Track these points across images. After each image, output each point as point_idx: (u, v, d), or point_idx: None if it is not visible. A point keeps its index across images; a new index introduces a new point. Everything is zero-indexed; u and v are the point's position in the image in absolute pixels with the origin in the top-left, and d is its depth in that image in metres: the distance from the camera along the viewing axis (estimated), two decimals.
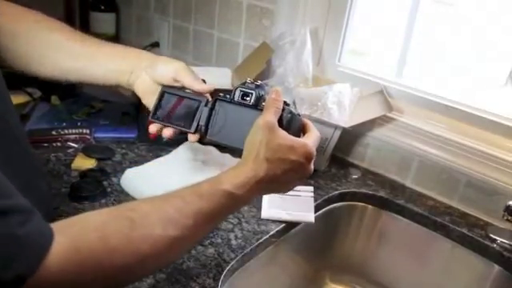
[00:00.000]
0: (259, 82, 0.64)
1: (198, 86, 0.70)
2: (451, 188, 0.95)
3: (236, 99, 0.64)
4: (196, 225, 0.51)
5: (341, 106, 0.95)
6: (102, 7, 1.46)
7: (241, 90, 0.64)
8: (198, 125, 0.68)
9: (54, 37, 0.72)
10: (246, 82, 0.65)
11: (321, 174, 1.01)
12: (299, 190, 0.89)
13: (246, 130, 0.59)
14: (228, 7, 1.20)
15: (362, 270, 1.02)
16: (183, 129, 0.69)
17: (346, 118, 0.95)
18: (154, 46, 1.45)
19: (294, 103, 0.97)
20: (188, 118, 0.69)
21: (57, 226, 0.41)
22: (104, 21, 1.48)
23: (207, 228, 0.57)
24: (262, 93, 0.63)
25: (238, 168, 0.57)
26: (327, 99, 0.96)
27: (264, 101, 0.61)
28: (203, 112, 0.67)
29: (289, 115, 0.61)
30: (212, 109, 0.67)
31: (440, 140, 0.93)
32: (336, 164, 1.06)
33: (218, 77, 1.10)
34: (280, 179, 0.59)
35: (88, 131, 1.01)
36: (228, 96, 0.65)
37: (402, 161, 1.01)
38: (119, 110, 1.14)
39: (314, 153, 0.60)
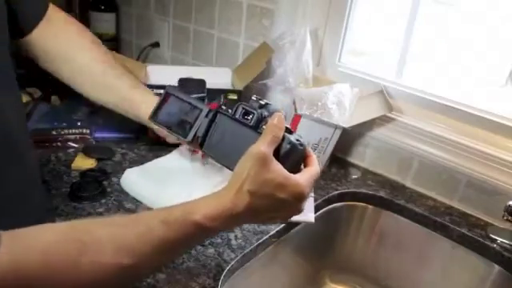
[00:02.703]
0: (264, 102, 0.60)
1: None
2: (451, 188, 0.95)
3: (237, 116, 0.60)
4: (156, 253, 0.48)
5: (341, 106, 0.95)
6: (102, 7, 1.46)
7: (243, 108, 0.60)
8: (195, 135, 0.66)
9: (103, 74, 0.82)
10: (250, 99, 0.61)
11: (321, 174, 1.01)
12: None
13: (241, 152, 0.54)
14: (228, 7, 1.20)
15: (362, 269, 1.02)
16: (180, 136, 0.67)
17: (345, 118, 0.95)
18: (154, 46, 1.45)
19: (294, 103, 0.97)
20: (186, 125, 0.67)
21: (5, 236, 0.40)
22: (104, 21, 1.48)
23: (170, 257, 0.54)
24: (265, 114, 0.59)
25: (218, 197, 0.53)
26: (327, 99, 0.96)
27: (265, 123, 0.56)
28: (203, 122, 0.65)
29: (288, 146, 0.55)
30: (212, 121, 0.64)
31: (440, 140, 0.93)
32: (336, 164, 1.06)
33: (218, 77, 1.10)
34: (261, 215, 0.55)
35: (88, 131, 1.01)
36: (230, 111, 0.62)
37: (402, 161, 1.01)
38: None
39: (307, 193, 0.55)
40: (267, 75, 1.07)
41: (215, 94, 1.03)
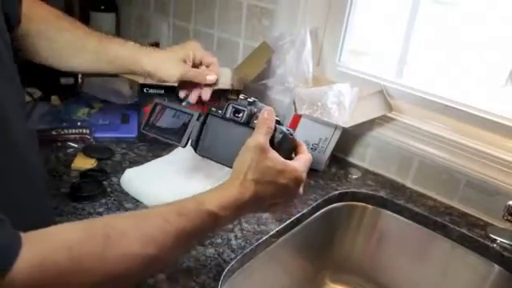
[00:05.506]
0: (252, 99, 0.63)
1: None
2: (451, 188, 0.95)
3: (228, 115, 0.63)
4: (176, 244, 0.50)
5: (341, 106, 0.95)
6: (102, 7, 1.46)
7: (233, 107, 0.63)
8: (188, 139, 0.68)
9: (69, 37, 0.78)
10: (238, 98, 0.64)
11: (321, 174, 1.01)
12: None
13: (237, 148, 0.58)
14: (228, 7, 1.20)
15: (362, 269, 1.02)
16: (174, 142, 0.70)
17: (345, 118, 0.95)
18: (153, 46, 1.45)
19: (294, 103, 0.97)
20: (179, 131, 0.69)
21: (28, 239, 0.40)
22: (104, 20, 1.48)
23: (187, 247, 0.58)
24: (255, 110, 0.62)
25: (225, 188, 0.56)
26: (327, 99, 0.96)
27: (256, 119, 0.60)
28: (194, 126, 0.67)
29: (280, 135, 0.60)
30: (203, 123, 0.66)
31: (440, 140, 0.93)
32: (336, 164, 1.06)
33: (218, 77, 1.10)
34: (266, 202, 0.58)
35: (88, 131, 1.01)
36: (220, 111, 0.64)
37: (402, 161, 1.01)
38: (119, 110, 1.15)
39: (304, 177, 0.59)
40: (267, 75, 1.07)
41: (215, 93, 1.03)
